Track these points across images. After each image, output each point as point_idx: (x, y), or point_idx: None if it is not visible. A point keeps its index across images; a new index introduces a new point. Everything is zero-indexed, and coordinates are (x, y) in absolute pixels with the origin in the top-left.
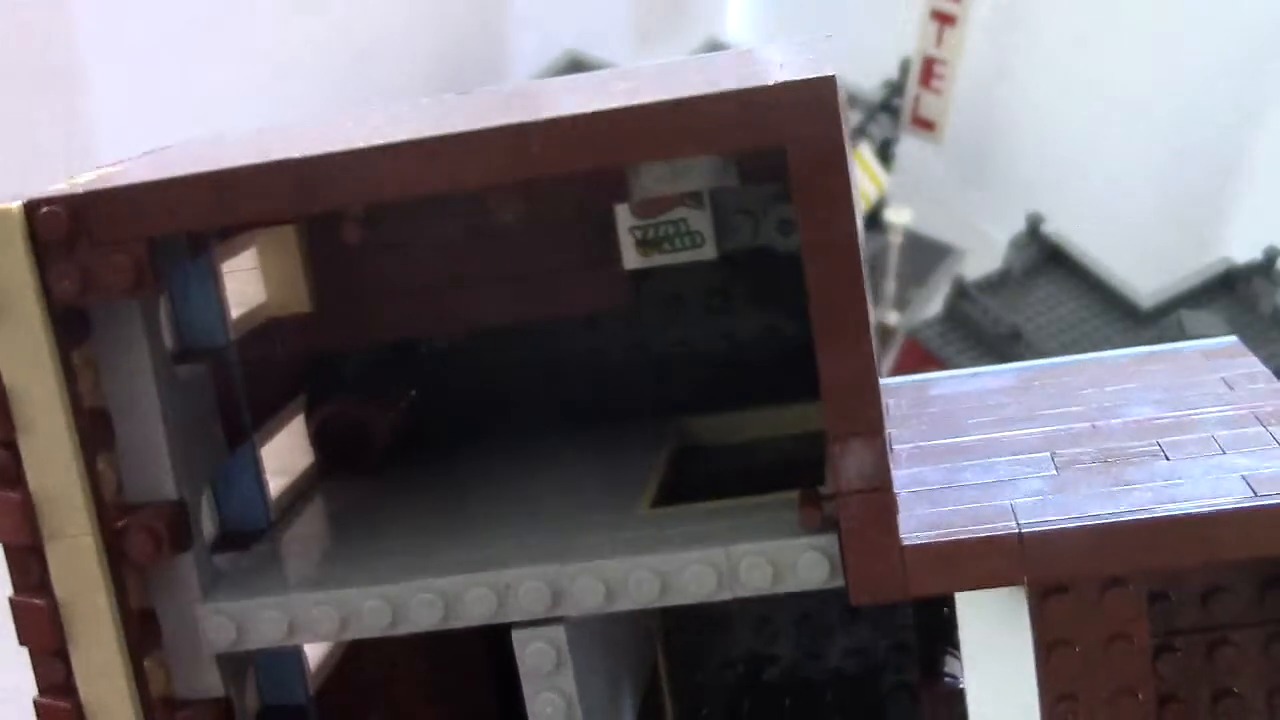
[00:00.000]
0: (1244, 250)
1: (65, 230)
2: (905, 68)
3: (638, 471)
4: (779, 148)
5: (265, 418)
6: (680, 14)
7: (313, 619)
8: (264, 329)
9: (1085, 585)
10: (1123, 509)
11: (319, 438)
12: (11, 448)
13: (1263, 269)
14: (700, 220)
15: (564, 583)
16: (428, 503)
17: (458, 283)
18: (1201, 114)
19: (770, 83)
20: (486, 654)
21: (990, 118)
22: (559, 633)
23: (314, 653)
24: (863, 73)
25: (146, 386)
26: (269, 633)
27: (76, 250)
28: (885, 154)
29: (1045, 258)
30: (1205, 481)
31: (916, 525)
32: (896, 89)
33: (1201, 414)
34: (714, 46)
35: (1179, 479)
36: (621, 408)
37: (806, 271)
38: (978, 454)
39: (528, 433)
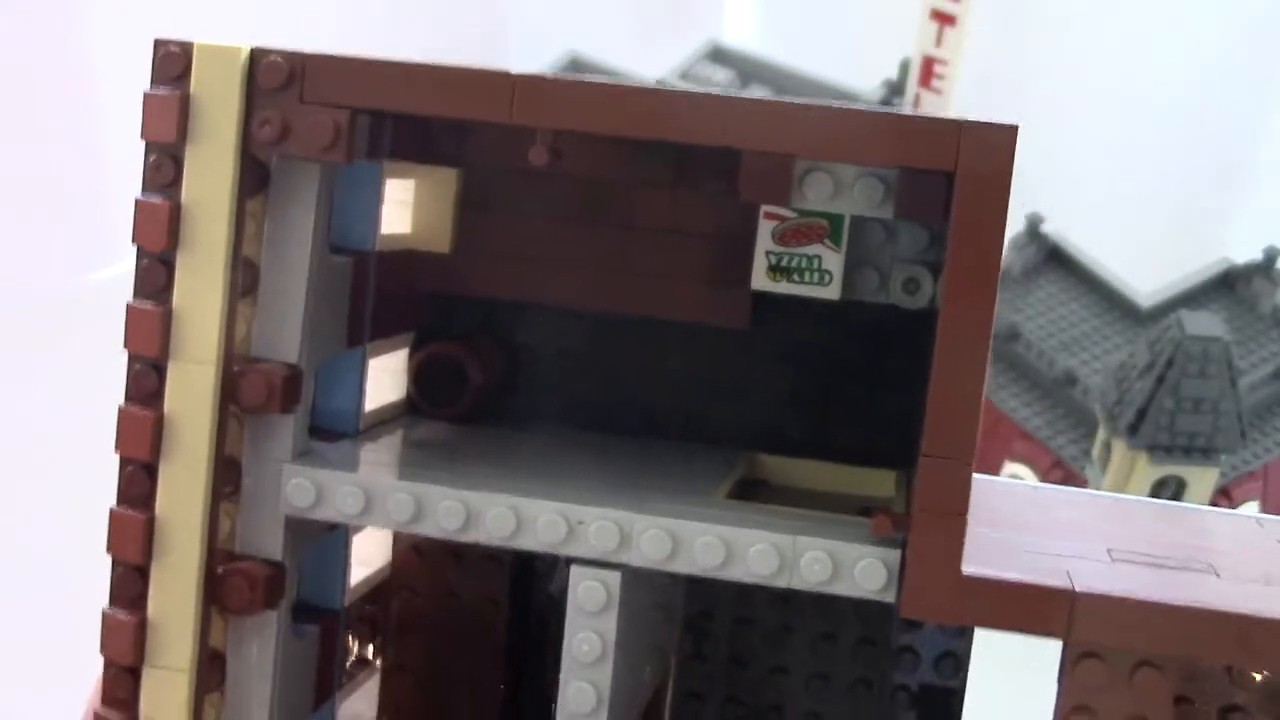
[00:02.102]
0: (1244, 250)
1: (281, 81)
2: (905, 68)
3: (710, 478)
4: (943, 195)
5: (379, 336)
6: (680, 14)
7: (389, 504)
8: (400, 256)
9: (1120, 658)
10: (1174, 597)
11: (418, 374)
12: (168, 265)
13: (1263, 269)
14: (833, 261)
15: (634, 530)
16: (507, 447)
17: (590, 264)
18: (1201, 115)
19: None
20: (507, 621)
21: (990, 118)
22: (615, 577)
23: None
24: (863, 73)
25: (302, 253)
26: (346, 506)
27: (285, 103)
28: None
29: (1045, 258)
30: (1256, 598)
31: (977, 562)
32: (896, 89)
33: (1254, 556)
34: (714, 47)
35: (1229, 592)
36: (699, 424)
37: (944, 295)
38: (1036, 533)
39: (607, 425)
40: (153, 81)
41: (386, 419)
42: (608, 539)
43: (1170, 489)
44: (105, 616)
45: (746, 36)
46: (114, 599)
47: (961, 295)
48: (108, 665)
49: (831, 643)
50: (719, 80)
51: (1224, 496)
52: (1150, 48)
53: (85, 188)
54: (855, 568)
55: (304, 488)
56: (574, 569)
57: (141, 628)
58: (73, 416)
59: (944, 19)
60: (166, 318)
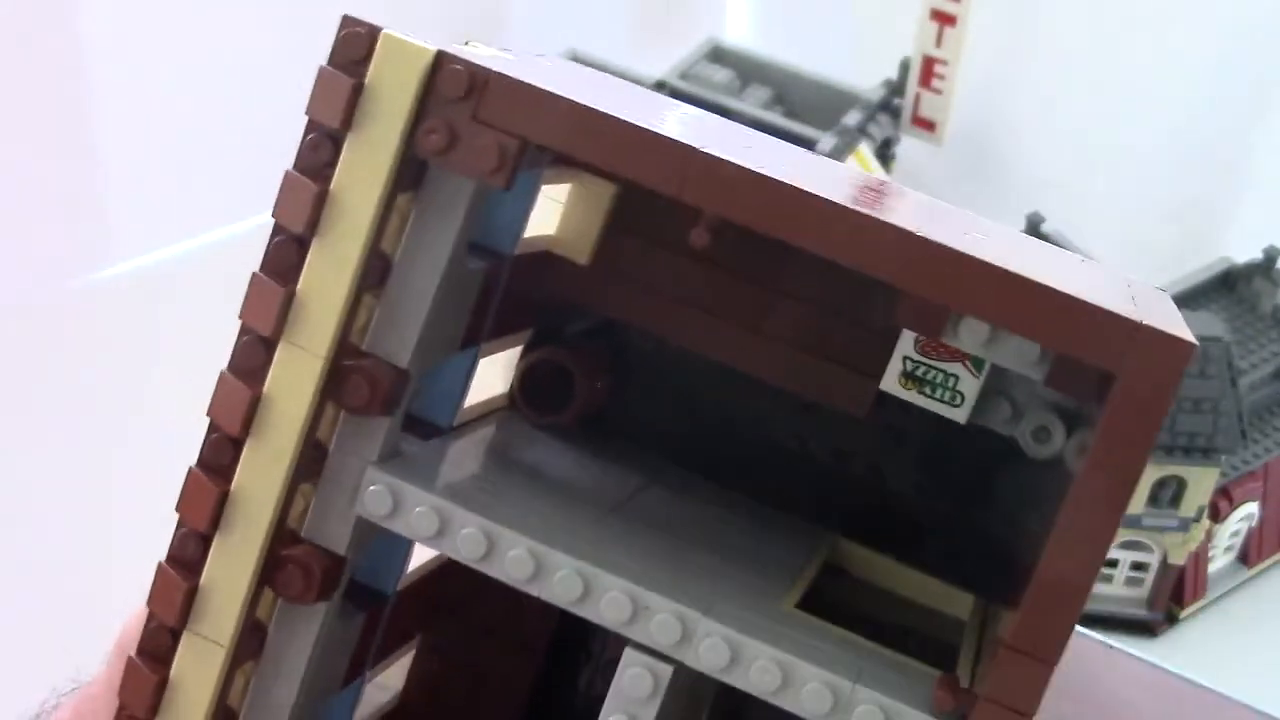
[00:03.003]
0: (1244, 250)
1: (459, 94)
2: (905, 68)
3: (790, 564)
4: (1099, 377)
5: (496, 334)
6: (680, 14)
7: (462, 537)
8: (537, 259)
9: None
10: None
11: (526, 375)
12: (302, 245)
13: (1263, 269)
14: (969, 385)
15: (697, 632)
16: (595, 479)
17: (723, 313)
18: (1202, 114)
19: (1143, 320)
20: (555, 624)
21: (990, 118)
22: (666, 673)
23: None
24: (863, 73)
25: (438, 260)
26: (419, 527)
27: (457, 115)
28: (885, 154)
29: None
30: None
31: None
32: (896, 89)
33: None
34: (714, 46)
35: None
36: (794, 493)
37: (1075, 489)
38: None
39: (702, 468)
40: (330, 59)
41: (483, 414)
42: (669, 633)
43: (1170, 489)
44: (160, 569)
45: (746, 36)
46: (171, 557)
47: (1089, 500)
48: (151, 617)
49: None
50: (719, 80)
51: (1224, 497)
52: (1150, 48)
53: (84, 188)
54: None
55: (382, 496)
56: (628, 651)
57: (192, 593)
58: (72, 417)
59: (944, 19)
60: (288, 298)
